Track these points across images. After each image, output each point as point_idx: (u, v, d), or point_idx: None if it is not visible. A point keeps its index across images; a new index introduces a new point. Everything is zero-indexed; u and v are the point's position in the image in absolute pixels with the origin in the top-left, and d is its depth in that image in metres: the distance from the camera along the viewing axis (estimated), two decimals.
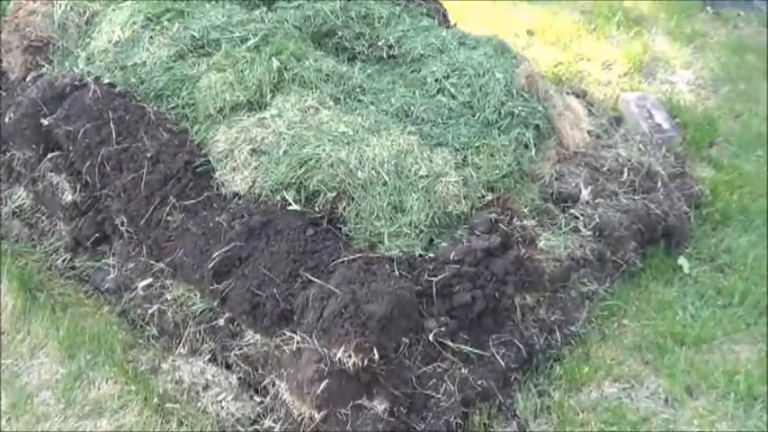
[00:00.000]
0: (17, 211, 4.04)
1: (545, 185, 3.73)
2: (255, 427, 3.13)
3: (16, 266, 3.81)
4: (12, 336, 3.57)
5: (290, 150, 3.39)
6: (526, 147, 3.70)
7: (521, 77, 3.88)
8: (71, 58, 4.07)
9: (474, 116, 3.73)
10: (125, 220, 3.57)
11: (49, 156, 3.86)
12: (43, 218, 3.99)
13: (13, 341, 3.54)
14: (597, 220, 3.61)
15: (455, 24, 4.69)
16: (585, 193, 3.71)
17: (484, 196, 3.49)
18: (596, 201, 3.73)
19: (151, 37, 3.98)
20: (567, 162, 3.88)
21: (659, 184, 3.91)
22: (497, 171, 3.56)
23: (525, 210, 3.54)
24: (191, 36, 3.95)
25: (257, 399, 3.18)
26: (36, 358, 3.47)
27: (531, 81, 3.88)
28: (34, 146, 3.88)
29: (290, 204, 3.31)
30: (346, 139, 3.44)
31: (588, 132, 4.11)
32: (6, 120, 3.99)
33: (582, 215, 3.64)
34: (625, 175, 3.88)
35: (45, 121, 3.81)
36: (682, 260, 3.80)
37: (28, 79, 4.13)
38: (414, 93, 3.83)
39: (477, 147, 3.60)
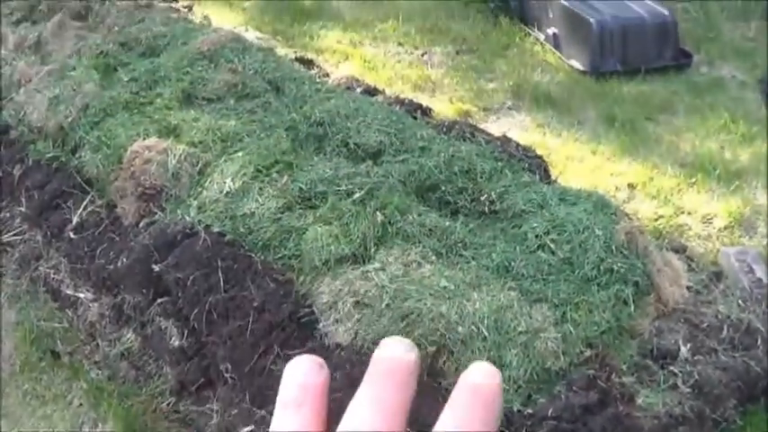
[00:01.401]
0: (125, 353, 4.23)
1: (644, 342, 3.79)
2: None
3: (122, 407, 3.98)
4: None
5: (393, 304, 3.53)
6: (625, 303, 3.78)
7: (620, 234, 3.99)
8: (183, 207, 4.31)
9: (573, 272, 3.84)
10: (230, 367, 3.73)
11: (159, 301, 4.07)
12: (150, 361, 4.17)
13: None
14: (696, 377, 3.65)
15: (556, 178, 4.83)
16: (684, 350, 3.77)
17: (582, 352, 3.57)
18: (695, 358, 3.78)
19: (260, 188, 4.21)
20: (665, 318, 3.95)
21: (759, 340, 3.93)
22: (596, 327, 3.64)
23: (624, 366, 3.61)
24: (298, 188, 4.16)
25: None
26: None
27: (630, 237, 3.99)
28: (144, 290, 4.10)
29: None
30: (447, 294, 3.58)
31: (687, 288, 4.17)
32: (119, 264, 4.22)
33: (681, 372, 3.68)
34: (725, 332, 3.93)
35: (156, 267, 4.03)
36: None
37: (141, 225, 4.36)
38: (514, 248, 3.95)
39: (577, 303, 3.70)
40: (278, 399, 0.65)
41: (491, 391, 0.61)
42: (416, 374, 0.63)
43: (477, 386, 0.61)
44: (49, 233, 4.77)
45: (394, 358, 0.63)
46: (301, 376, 0.65)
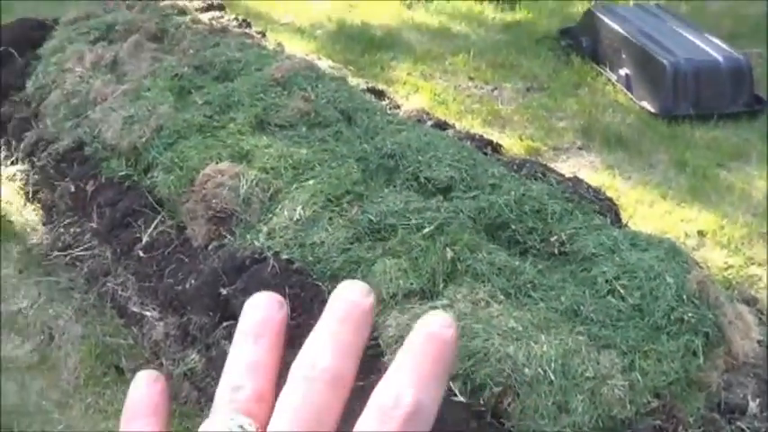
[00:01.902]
0: (188, 373, 4.26)
1: (712, 395, 3.74)
2: None
3: (183, 428, 4.00)
4: None
5: (460, 342, 3.52)
6: (694, 354, 3.74)
7: (692, 283, 3.95)
8: (252, 232, 4.34)
9: (643, 319, 3.80)
10: None
11: (225, 324, 4.10)
12: (213, 383, 4.19)
13: None
14: None
15: (627, 222, 4.81)
16: (753, 406, 3.72)
17: (649, 402, 3.53)
18: (764, 414, 3.73)
19: (330, 218, 4.23)
20: (735, 372, 3.90)
21: None
22: (664, 377, 3.60)
23: (690, 419, 3.56)
24: (368, 220, 4.18)
25: None
26: None
27: (702, 287, 3.95)
28: (211, 313, 4.13)
29: (455, 395, 3.43)
30: (515, 335, 3.57)
31: (758, 342, 4.13)
32: (187, 285, 4.26)
33: (749, 428, 3.64)
34: None
35: (224, 291, 4.07)
36: None
37: (210, 248, 4.41)
38: (584, 292, 3.93)
39: (645, 351, 3.66)
40: (238, 329, 0.67)
41: (447, 341, 0.62)
42: (372, 318, 0.65)
43: (434, 334, 0.62)
44: (118, 250, 4.83)
45: (352, 301, 0.65)
46: (262, 311, 0.67)
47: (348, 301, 0.64)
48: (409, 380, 0.60)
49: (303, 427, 0.60)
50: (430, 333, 0.62)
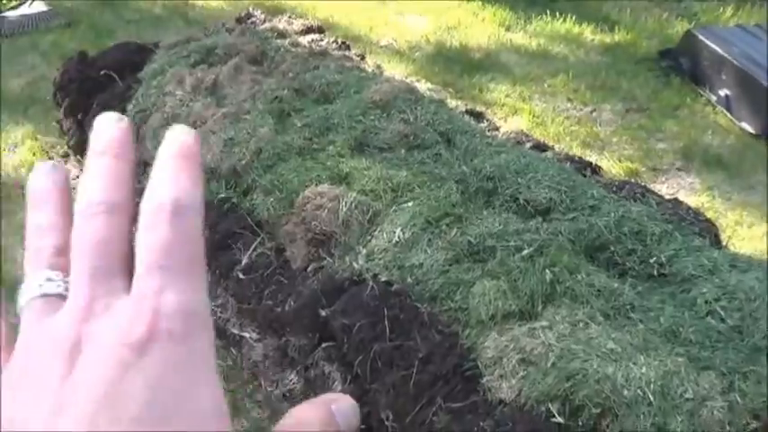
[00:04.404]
0: (287, 394, 4.43)
1: None
2: None
3: None
4: None
5: (559, 363, 3.62)
6: None
7: None
8: (351, 254, 4.48)
9: (743, 341, 3.85)
10: (391, 416, 3.86)
11: (324, 345, 4.25)
12: None
13: None
14: None
15: (726, 244, 4.85)
16: None
17: (749, 424, 3.57)
18: None
19: (429, 240, 4.35)
20: None
21: None
22: (763, 399, 3.62)
23: None
24: (467, 242, 4.29)
25: None
26: None
27: None
28: (310, 334, 4.28)
29: (553, 416, 3.53)
30: (614, 356, 3.65)
31: None
32: (286, 307, 4.42)
33: None
34: None
35: (323, 312, 4.21)
36: None
37: (309, 270, 4.56)
38: (683, 313, 3.98)
39: (745, 372, 3.70)
40: (27, 205, 0.73)
41: (187, 141, 0.69)
42: (131, 144, 0.72)
43: (174, 138, 0.69)
44: (218, 272, 4.99)
45: (106, 132, 0.72)
46: (42, 182, 0.74)
47: (104, 134, 0.72)
48: (163, 183, 0.67)
49: (97, 257, 0.68)
50: (171, 138, 0.70)
